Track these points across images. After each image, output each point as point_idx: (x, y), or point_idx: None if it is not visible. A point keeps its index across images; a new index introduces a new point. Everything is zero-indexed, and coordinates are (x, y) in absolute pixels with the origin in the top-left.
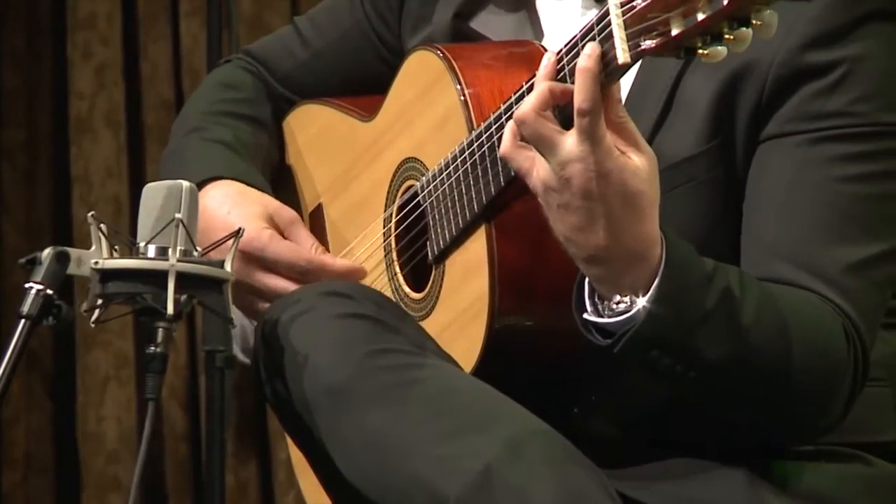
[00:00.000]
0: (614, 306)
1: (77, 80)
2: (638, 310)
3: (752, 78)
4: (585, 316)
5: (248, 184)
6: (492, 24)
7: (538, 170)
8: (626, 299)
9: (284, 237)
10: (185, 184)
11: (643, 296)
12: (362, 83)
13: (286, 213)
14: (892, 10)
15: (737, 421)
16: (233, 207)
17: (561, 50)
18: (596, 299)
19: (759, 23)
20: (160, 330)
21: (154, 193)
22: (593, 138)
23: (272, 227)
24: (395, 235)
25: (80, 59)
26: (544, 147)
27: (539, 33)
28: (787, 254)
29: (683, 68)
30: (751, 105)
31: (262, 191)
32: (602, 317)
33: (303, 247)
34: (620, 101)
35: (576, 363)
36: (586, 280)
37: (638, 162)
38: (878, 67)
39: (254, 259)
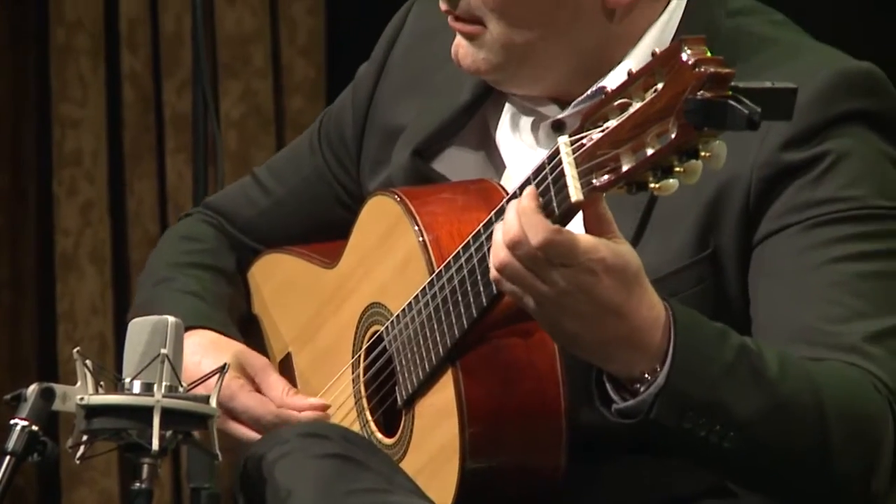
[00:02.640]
0: (637, 387)
1: (62, 217)
2: (662, 373)
3: (735, 185)
4: (616, 407)
5: (219, 332)
6: (452, 162)
7: (533, 289)
8: (647, 372)
9: (256, 385)
10: (171, 319)
11: (662, 361)
12: (324, 228)
13: (257, 360)
14: (861, 111)
15: (786, 492)
16: (204, 357)
17: (515, 191)
18: (616, 386)
19: (707, 154)
20: (145, 466)
21: (139, 329)
22: (570, 247)
23: (243, 376)
24: (364, 381)
25: (65, 196)
26: (535, 267)
27: (501, 168)
28: (802, 337)
29: None
30: (737, 212)
31: (234, 339)
32: (628, 400)
33: (274, 393)
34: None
35: (554, 497)
36: (604, 376)
37: (622, 242)
38: (860, 159)
39: (222, 408)
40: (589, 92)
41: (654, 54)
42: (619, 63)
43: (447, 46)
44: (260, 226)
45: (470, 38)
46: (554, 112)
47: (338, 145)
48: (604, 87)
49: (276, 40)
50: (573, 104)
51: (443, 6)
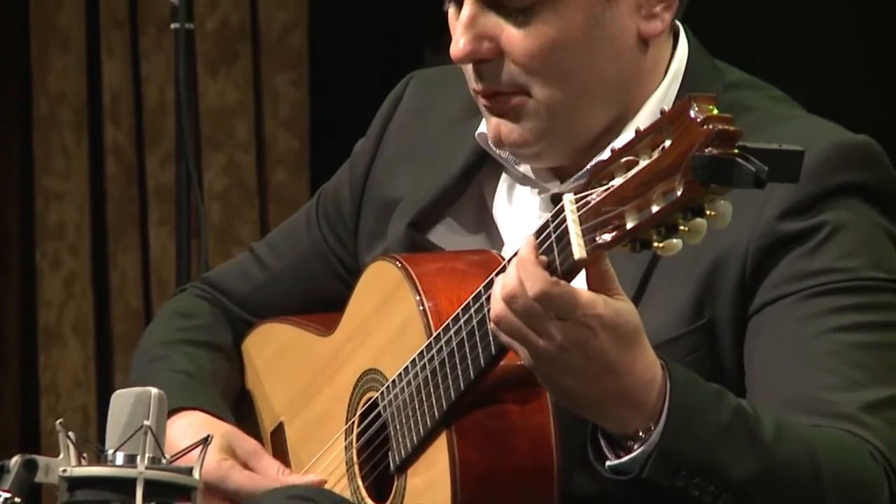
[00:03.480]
0: (631, 444)
1: (46, 289)
2: (656, 432)
3: (732, 255)
4: (610, 464)
5: (210, 413)
6: (449, 233)
7: (530, 342)
8: (642, 430)
9: (249, 468)
10: (154, 391)
11: (657, 419)
12: (320, 303)
13: (248, 443)
14: (857, 183)
15: None
16: (195, 437)
17: (517, 251)
18: (611, 442)
19: (713, 213)
20: None
21: (122, 401)
22: (568, 300)
23: (232, 457)
24: (357, 448)
25: (48, 269)
26: (532, 320)
27: (497, 240)
28: (798, 405)
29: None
30: (734, 282)
31: (225, 420)
32: (622, 456)
33: (267, 475)
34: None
35: None
36: (598, 432)
37: (623, 299)
38: (856, 231)
39: (214, 490)
40: (589, 166)
41: (662, 112)
42: (620, 135)
43: (443, 119)
44: (256, 300)
45: (512, 112)
46: (550, 183)
47: (335, 220)
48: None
49: (259, 113)
50: (573, 178)
51: (477, 86)
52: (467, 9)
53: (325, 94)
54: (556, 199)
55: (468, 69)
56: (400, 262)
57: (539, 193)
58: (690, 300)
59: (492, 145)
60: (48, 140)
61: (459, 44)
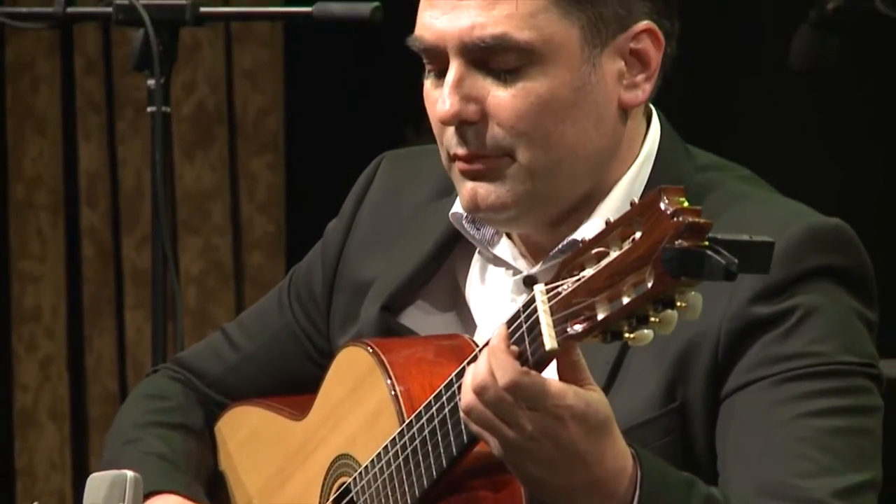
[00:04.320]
0: None
1: (21, 372)
2: None
3: (704, 339)
4: None
5: (186, 497)
6: (421, 316)
7: (500, 432)
8: None
9: None
10: (130, 474)
11: None
12: (293, 384)
13: None
14: (830, 267)
15: None
16: None
17: (488, 340)
18: None
19: (683, 305)
20: None
21: (98, 484)
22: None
23: None
24: None
25: (24, 352)
26: (502, 410)
27: (470, 323)
28: (769, 491)
29: None
30: (706, 366)
31: (200, 502)
32: None
33: None
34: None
35: None
36: None
37: (594, 389)
38: (828, 315)
39: None
40: (560, 246)
41: (632, 204)
42: (593, 214)
43: (415, 200)
44: (229, 382)
45: (491, 174)
46: (523, 264)
47: (308, 302)
48: (575, 240)
49: (235, 196)
50: (545, 259)
51: (459, 150)
52: (454, 70)
53: (301, 178)
54: (528, 281)
55: (448, 133)
56: (372, 348)
57: (513, 275)
58: (662, 383)
59: (465, 212)
60: (24, 224)
61: (446, 105)
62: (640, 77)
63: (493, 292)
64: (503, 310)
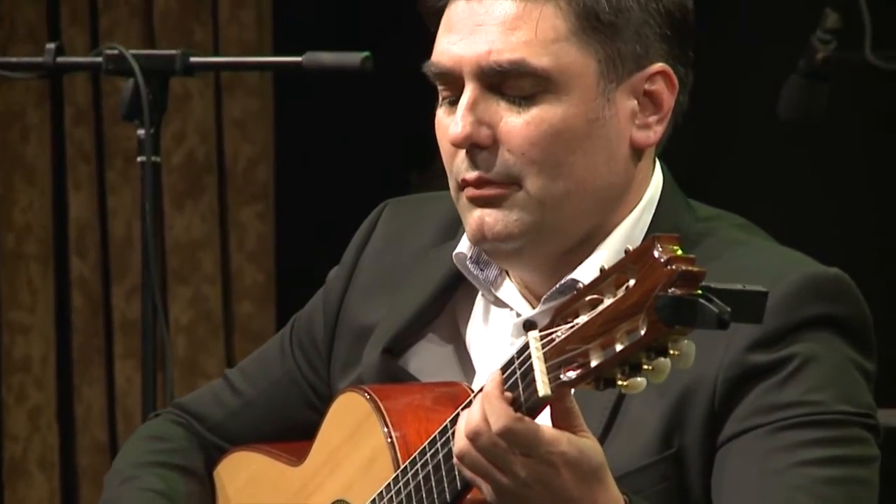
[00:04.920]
0: None
1: (11, 423)
2: None
3: (701, 386)
4: None
5: None
6: (422, 360)
7: (493, 479)
8: None
9: None
10: None
11: None
12: (294, 430)
13: None
14: (828, 316)
15: None
16: None
17: (483, 386)
18: None
19: (676, 353)
20: None
21: None
22: (531, 436)
23: None
24: None
25: (13, 402)
26: (495, 456)
27: (469, 368)
28: None
29: None
30: (703, 412)
31: None
32: None
33: None
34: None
35: None
36: None
37: (587, 436)
38: (825, 364)
39: None
40: (558, 286)
41: (626, 251)
42: (592, 255)
43: (418, 246)
44: (230, 427)
45: (499, 201)
46: (523, 306)
47: (309, 349)
48: (573, 280)
49: (225, 246)
50: (543, 299)
51: (468, 174)
52: (469, 93)
53: (291, 227)
54: (527, 325)
55: (458, 158)
56: (369, 394)
57: (516, 317)
58: (659, 429)
59: (471, 244)
60: (14, 274)
61: (458, 127)
62: (652, 118)
63: (495, 335)
64: (503, 353)
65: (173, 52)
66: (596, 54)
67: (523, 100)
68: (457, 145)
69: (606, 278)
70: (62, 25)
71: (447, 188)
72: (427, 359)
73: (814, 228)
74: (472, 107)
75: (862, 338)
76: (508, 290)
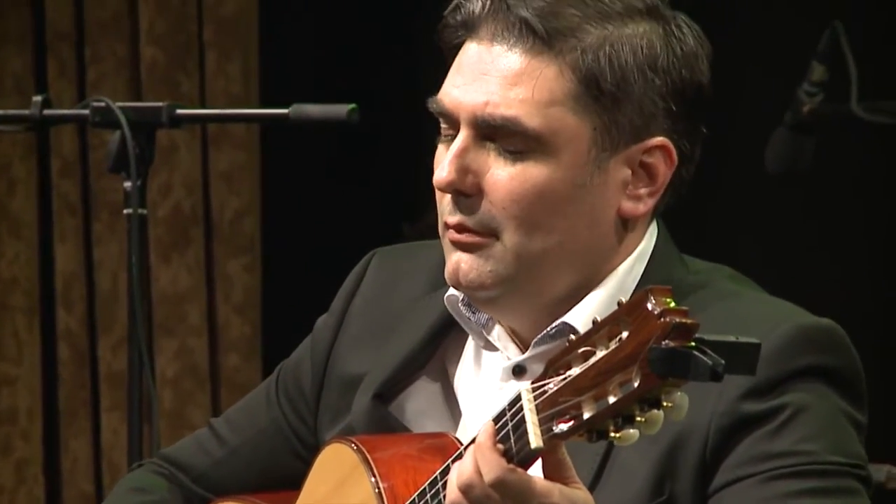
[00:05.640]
0: None
1: None
2: None
3: (693, 434)
4: None
5: None
6: (411, 406)
7: None
8: None
9: None
10: None
11: None
12: (279, 480)
13: None
14: (820, 367)
15: None
16: None
17: (474, 437)
18: None
19: (669, 405)
20: None
21: None
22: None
23: None
24: None
25: (0, 455)
26: None
27: (457, 416)
28: None
29: None
30: (695, 460)
31: None
32: None
33: None
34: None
35: None
36: None
37: (579, 487)
38: (817, 414)
39: None
40: (548, 329)
41: (620, 303)
42: (583, 300)
43: (408, 295)
44: (214, 476)
45: (476, 249)
46: (513, 350)
47: (296, 397)
48: (565, 323)
49: (211, 298)
50: (533, 343)
51: (451, 218)
52: (461, 140)
53: (277, 280)
54: (517, 370)
55: (445, 199)
56: (356, 445)
57: (507, 359)
58: (651, 477)
59: (448, 283)
60: (0, 326)
61: (444, 171)
62: (643, 190)
63: (484, 378)
64: (491, 398)
65: (160, 104)
66: (592, 122)
67: (513, 154)
68: (440, 189)
69: (599, 330)
70: (49, 78)
71: (438, 238)
72: (416, 403)
73: (806, 280)
74: (462, 154)
75: (853, 389)
76: (499, 333)
